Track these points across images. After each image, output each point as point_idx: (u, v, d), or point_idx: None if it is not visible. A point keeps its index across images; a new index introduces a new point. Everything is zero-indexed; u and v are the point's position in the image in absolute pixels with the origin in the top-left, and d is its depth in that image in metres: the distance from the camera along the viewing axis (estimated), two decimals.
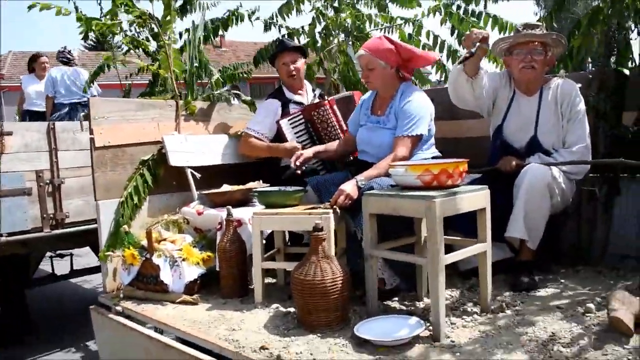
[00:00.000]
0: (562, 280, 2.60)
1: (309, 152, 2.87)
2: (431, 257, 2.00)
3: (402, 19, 4.37)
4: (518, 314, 2.18)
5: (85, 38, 3.34)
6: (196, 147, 3.09)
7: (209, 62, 4.13)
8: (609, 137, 2.80)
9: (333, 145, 2.97)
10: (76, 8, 3.16)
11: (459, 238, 2.36)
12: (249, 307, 2.45)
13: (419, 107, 2.62)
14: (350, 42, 4.35)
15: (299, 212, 2.43)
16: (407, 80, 2.74)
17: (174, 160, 2.98)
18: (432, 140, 2.79)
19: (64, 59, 5.69)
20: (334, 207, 2.38)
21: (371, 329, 2.05)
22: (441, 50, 4.39)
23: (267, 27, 4.64)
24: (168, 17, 3.11)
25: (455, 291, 2.51)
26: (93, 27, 3.02)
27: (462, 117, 3.33)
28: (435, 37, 4.34)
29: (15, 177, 3.38)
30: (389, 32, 4.51)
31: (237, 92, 3.57)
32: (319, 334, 2.11)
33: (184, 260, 2.60)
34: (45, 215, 3.53)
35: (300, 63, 3.24)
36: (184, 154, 3.02)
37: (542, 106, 2.69)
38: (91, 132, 2.72)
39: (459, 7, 4.24)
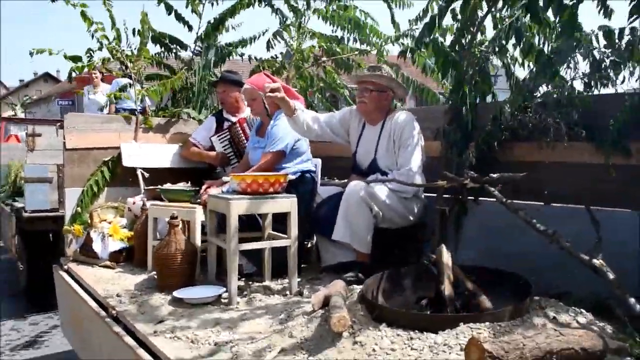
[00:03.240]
0: None
1: (214, 190, 3.30)
2: (228, 244, 2.72)
3: (362, 51, 4.96)
4: (307, 299, 2.78)
5: (70, 78, 4.36)
6: (147, 153, 4.03)
7: None
8: (457, 163, 3.25)
9: (236, 171, 3.58)
10: (65, 56, 4.10)
11: (277, 233, 3.02)
12: (140, 273, 3.32)
13: (282, 128, 3.30)
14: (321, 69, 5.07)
15: (178, 205, 3.24)
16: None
17: (127, 161, 3.96)
18: (306, 156, 3.44)
19: None
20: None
21: (189, 292, 2.82)
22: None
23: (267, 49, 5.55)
24: (140, 56, 4.10)
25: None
26: (75, 68, 4.07)
27: None
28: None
29: (41, 169, 4.57)
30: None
31: (188, 110, 4.48)
32: (164, 293, 2.91)
33: (110, 235, 3.54)
34: (62, 200, 4.68)
35: (232, 93, 4.04)
36: (137, 157, 3.97)
37: (382, 134, 3.25)
38: (64, 138, 3.78)
39: (412, 37, 4.75)
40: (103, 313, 2.76)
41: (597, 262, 2.33)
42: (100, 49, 4.13)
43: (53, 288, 3.82)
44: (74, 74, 4.08)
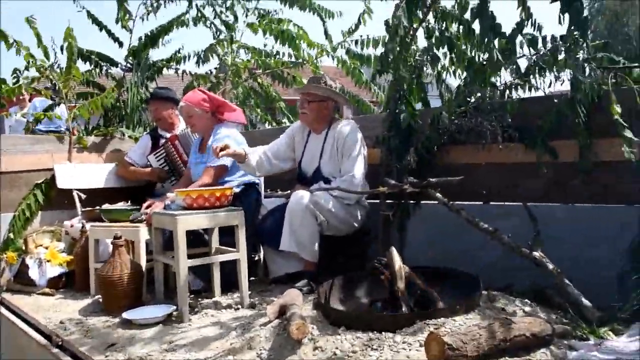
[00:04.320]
0: None
1: (158, 207, 3.16)
2: (176, 260, 2.67)
3: (292, 62, 5.04)
4: (260, 311, 2.77)
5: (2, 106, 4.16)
6: (83, 173, 3.89)
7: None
8: (397, 168, 3.35)
9: (177, 188, 3.45)
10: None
11: (225, 248, 3.00)
12: (83, 298, 3.18)
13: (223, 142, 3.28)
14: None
15: (120, 225, 3.14)
16: (221, 122, 3.42)
17: (62, 183, 3.80)
18: None
19: None
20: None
21: (138, 312, 2.73)
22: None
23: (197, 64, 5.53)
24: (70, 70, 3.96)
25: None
26: (5, 91, 3.89)
27: None
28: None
29: None
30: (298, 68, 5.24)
31: (123, 129, 4.39)
32: (111, 316, 2.81)
33: (48, 261, 3.38)
34: None
35: (165, 110, 3.97)
36: (72, 178, 3.82)
37: (325, 143, 3.31)
38: None
39: (347, 50, 4.88)
40: (46, 342, 2.62)
41: (536, 254, 2.49)
42: (27, 68, 3.96)
43: None
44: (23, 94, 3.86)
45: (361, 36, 4.94)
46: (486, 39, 2.60)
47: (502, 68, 2.67)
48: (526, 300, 2.41)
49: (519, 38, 2.73)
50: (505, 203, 2.96)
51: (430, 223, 3.28)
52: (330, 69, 5.48)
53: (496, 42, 2.73)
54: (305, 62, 5.04)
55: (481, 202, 3.07)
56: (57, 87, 4.12)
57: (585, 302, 2.27)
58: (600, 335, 2.02)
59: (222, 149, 3.00)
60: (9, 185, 3.68)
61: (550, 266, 2.45)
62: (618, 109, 2.40)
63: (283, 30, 4.97)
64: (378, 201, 3.42)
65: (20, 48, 3.82)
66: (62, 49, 4.30)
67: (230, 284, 3.14)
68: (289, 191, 3.61)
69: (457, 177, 2.67)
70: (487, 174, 3.01)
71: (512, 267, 2.70)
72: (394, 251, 2.35)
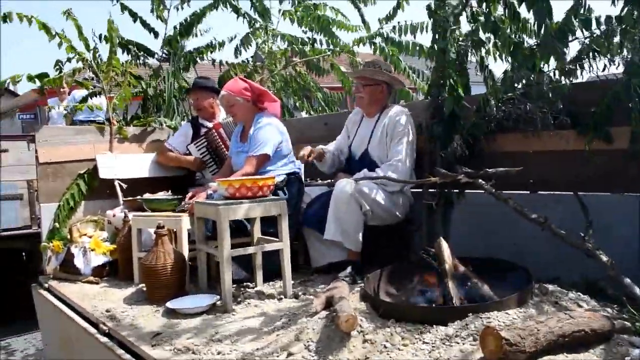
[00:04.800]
0: None
1: (203, 195, 3.20)
2: (220, 250, 2.66)
3: (331, 50, 4.97)
4: (303, 301, 2.76)
5: (42, 93, 4.21)
6: (124, 164, 3.92)
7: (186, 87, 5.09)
8: (441, 157, 3.28)
9: (218, 177, 3.38)
10: (29, 77, 3.92)
11: (268, 237, 2.98)
12: (127, 287, 3.22)
13: (265, 132, 3.26)
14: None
15: (162, 215, 3.16)
16: (262, 111, 3.39)
17: (104, 173, 3.84)
18: (290, 158, 3.41)
19: None
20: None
21: (182, 302, 2.74)
22: None
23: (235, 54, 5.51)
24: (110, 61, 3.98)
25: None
26: (47, 81, 3.92)
27: None
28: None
29: (10, 185, 4.40)
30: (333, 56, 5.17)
31: (161, 118, 4.40)
32: (155, 305, 2.83)
33: (92, 250, 3.42)
34: (33, 216, 4.52)
35: (206, 100, 3.98)
36: (113, 169, 3.86)
37: (376, 126, 3.30)
38: (36, 152, 3.64)
39: (386, 37, 4.78)
40: (94, 330, 2.66)
41: (589, 245, 2.39)
42: (69, 60, 4.00)
43: (28, 310, 3.66)
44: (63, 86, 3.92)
45: (399, 22, 4.86)
46: (540, 22, 2.49)
47: (555, 51, 2.55)
48: (579, 293, 2.32)
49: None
50: (554, 192, 2.87)
51: (473, 212, 3.21)
52: (366, 56, 5.39)
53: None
54: (342, 50, 4.97)
55: (528, 192, 2.99)
56: (98, 78, 4.16)
57: None
58: None
59: (308, 155, 3.24)
60: (52, 176, 3.74)
61: (604, 258, 2.35)
62: None
63: (319, 17, 4.90)
64: (421, 190, 3.37)
65: (62, 40, 3.85)
66: (100, 38, 4.33)
67: (271, 273, 3.14)
68: (329, 180, 3.58)
69: (504, 164, 2.59)
70: (536, 162, 2.90)
71: (558, 258, 2.62)
72: (443, 242, 2.29)
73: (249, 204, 2.75)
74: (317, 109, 5.40)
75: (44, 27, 3.82)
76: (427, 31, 4.64)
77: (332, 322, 2.07)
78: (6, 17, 3.75)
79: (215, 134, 3.86)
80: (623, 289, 2.27)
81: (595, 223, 2.39)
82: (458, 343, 1.82)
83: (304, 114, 5.44)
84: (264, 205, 2.79)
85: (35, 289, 3.59)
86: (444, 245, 2.27)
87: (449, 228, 3.33)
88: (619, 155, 2.64)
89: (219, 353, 2.13)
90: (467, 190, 3.24)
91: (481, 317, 1.93)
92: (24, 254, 5.16)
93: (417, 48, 4.84)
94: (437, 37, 3.12)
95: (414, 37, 4.91)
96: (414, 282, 2.39)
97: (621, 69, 2.64)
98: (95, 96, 5.08)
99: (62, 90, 6.58)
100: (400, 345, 1.89)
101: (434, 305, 2.14)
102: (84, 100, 4.81)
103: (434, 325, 1.94)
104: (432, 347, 1.84)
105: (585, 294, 2.34)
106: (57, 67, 4.00)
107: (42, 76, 3.88)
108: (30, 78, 3.84)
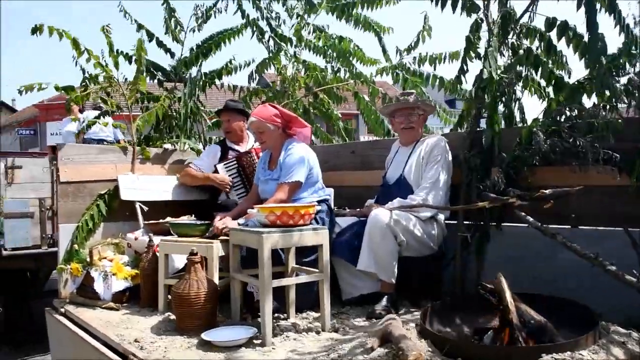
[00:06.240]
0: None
1: (233, 223, 3.09)
2: (261, 280, 2.56)
3: (355, 76, 4.95)
4: (344, 335, 2.65)
5: (68, 110, 4.12)
6: (146, 185, 3.81)
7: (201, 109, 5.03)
8: (478, 189, 3.22)
9: (245, 204, 3.39)
10: (57, 87, 3.88)
11: (305, 268, 2.89)
12: (151, 314, 3.08)
13: (296, 158, 3.18)
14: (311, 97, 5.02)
15: (191, 240, 3.04)
16: (291, 137, 3.32)
17: (125, 195, 3.72)
18: (319, 186, 3.33)
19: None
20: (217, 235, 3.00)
21: (218, 334, 2.62)
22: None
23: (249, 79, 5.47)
24: (136, 82, 3.90)
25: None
26: (75, 97, 3.84)
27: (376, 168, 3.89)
28: (384, 94, 4.91)
29: (21, 203, 4.25)
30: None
31: (183, 139, 4.32)
32: (185, 336, 2.70)
33: (114, 274, 3.28)
34: (44, 235, 4.36)
35: (235, 122, 3.92)
36: (135, 190, 3.74)
37: (412, 152, 3.31)
38: (57, 171, 3.52)
39: (406, 69, 4.78)
40: None
41: None
42: (97, 76, 3.91)
43: (33, 330, 3.48)
44: (72, 104, 3.82)
45: (420, 53, 4.87)
46: (593, 57, 2.47)
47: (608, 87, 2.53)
48: (632, 330, 2.25)
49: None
50: (600, 228, 2.82)
51: (508, 245, 3.15)
52: (384, 85, 5.39)
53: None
54: (364, 80, 4.96)
55: (569, 226, 2.94)
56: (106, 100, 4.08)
57: None
58: None
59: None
60: (73, 195, 3.61)
61: None
62: None
63: (341, 49, 4.91)
64: (455, 222, 3.31)
65: (91, 56, 3.77)
66: (125, 58, 4.25)
67: (303, 304, 3.04)
68: (358, 209, 3.51)
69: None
70: (579, 197, 2.86)
71: (599, 295, 2.55)
72: (502, 277, 2.21)
73: (293, 233, 2.66)
74: (328, 138, 5.33)
75: (74, 42, 3.74)
76: (450, 62, 4.71)
77: None
78: (36, 30, 3.66)
79: (255, 157, 3.80)
80: None
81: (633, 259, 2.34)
82: None
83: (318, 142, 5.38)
84: (307, 234, 2.70)
85: (49, 313, 3.42)
86: (504, 281, 2.19)
87: (482, 261, 3.27)
88: None
89: None
90: (504, 224, 3.21)
91: (556, 358, 1.84)
92: (28, 274, 4.98)
93: (437, 80, 4.84)
94: (481, 72, 3.08)
95: (434, 69, 4.97)
96: (464, 318, 2.30)
97: None
98: (107, 115, 4.99)
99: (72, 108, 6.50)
100: None
101: (498, 344, 2.05)
102: (95, 119, 4.70)
103: None
104: None
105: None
106: (84, 82, 3.91)
107: (69, 89, 3.79)
108: (58, 88, 3.74)
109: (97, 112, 6.55)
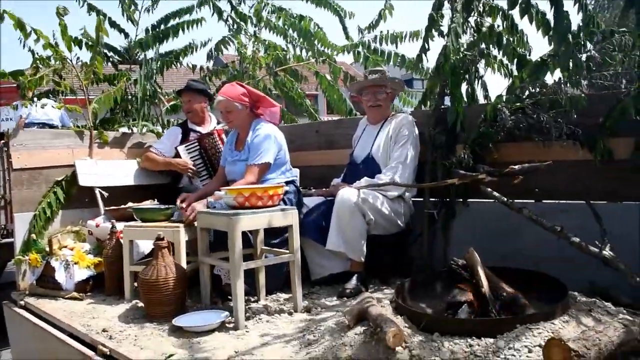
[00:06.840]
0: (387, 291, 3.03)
1: (199, 206, 2.98)
2: (232, 263, 2.51)
3: (317, 56, 4.90)
4: (316, 315, 2.64)
5: (23, 96, 3.88)
6: (105, 170, 3.68)
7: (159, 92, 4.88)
8: (442, 166, 3.26)
9: (211, 186, 3.29)
10: (3, 74, 3.73)
11: (274, 249, 2.86)
12: (118, 303, 2.99)
13: (264, 139, 3.13)
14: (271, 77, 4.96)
15: (157, 225, 2.96)
16: (259, 117, 3.26)
17: (83, 180, 3.58)
18: (287, 167, 3.29)
19: None
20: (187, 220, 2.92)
21: (189, 319, 2.57)
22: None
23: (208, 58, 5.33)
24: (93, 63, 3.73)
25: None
26: (28, 82, 3.62)
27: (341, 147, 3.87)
28: (345, 72, 4.90)
29: None
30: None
31: (146, 123, 4.19)
32: (155, 323, 2.63)
33: (75, 263, 3.17)
34: None
35: (197, 103, 3.82)
36: (93, 176, 3.61)
37: (380, 132, 3.30)
38: (9, 157, 3.35)
39: (367, 47, 4.77)
40: (91, 353, 2.43)
41: (606, 253, 2.40)
42: (49, 58, 3.71)
43: None
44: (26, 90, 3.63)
45: (381, 32, 4.86)
46: (561, 33, 2.51)
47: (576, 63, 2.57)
48: (603, 301, 2.33)
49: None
50: (563, 201, 2.89)
51: (473, 221, 3.20)
52: (343, 64, 5.37)
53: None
54: (325, 58, 4.90)
55: (533, 201, 3.00)
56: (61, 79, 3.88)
57: None
58: None
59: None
60: (27, 183, 3.44)
61: (622, 266, 2.37)
62: None
63: (302, 28, 4.83)
64: (421, 199, 3.33)
65: (39, 37, 3.57)
66: (74, 43, 4.06)
67: (273, 286, 3.02)
68: (324, 189, 3.50)
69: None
70: (545, 172, 2.92)
71: (564, 267, 2.63)
72: (474, 252, 2.24)
73: (263, 214, 2.62)
74: (291, 118, 5.27)
75: (19, 23, 3.52)
76: (410, 40, 4.72)
77: (372, 338, 1.98)
78: None
79: (217, 138, 3.70)
80: None
81: (595, 231, 2.42)
82: (514, 356, 1.77)
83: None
84: (277, 215, 2.67)
85: (7, 306, 3.28)
86: (475, 256, 2.23)
87: (449, 237, 3.32)
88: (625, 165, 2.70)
89: None
90: (470, 200, 3.26)
91: (530, 328, 1.89)
92: None
93: (399, 58, 4.84)
94: (444, 49, 3.08)
95: (396, 47, 4.96)
96: (436, 293, 2.33)
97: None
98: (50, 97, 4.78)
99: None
100: (451, 359, 1.82)
101: (472, 317, 2.08)
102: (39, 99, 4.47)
103: (482, 338, 1.89)
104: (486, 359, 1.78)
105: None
106: (35, 64, 3.70)
107: (18, 73, 3.59)
108: (5, 75, 3.54)
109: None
